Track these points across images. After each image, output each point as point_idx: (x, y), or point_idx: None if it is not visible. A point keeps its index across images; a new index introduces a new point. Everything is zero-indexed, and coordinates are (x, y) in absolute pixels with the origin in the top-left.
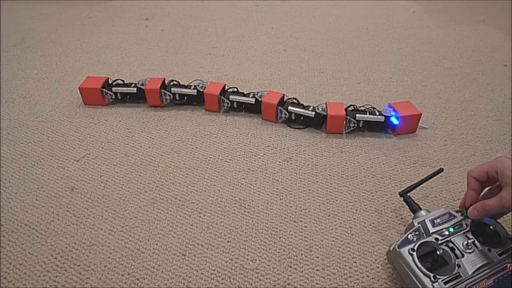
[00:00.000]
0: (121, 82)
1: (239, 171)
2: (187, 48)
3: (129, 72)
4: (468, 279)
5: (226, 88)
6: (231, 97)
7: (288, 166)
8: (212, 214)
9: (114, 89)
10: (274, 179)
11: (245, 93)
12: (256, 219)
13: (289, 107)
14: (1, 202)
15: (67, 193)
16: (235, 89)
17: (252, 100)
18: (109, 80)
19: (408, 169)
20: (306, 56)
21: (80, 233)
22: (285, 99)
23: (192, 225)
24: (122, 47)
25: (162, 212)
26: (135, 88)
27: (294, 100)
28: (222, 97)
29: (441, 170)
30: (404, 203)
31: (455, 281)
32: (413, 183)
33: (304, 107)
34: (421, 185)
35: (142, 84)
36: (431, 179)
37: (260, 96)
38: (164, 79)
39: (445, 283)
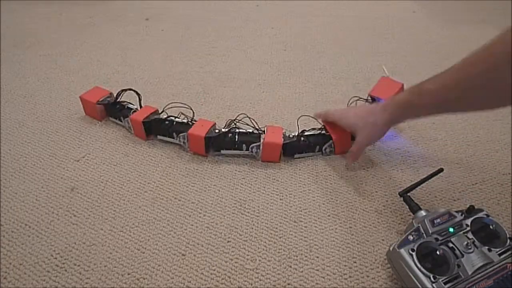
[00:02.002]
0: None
1: (239, 171)
2: (187, 48)
3: (129, 72)
4: (468, 279)
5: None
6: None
7: (288, 166)
8: (212, 214)
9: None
10: (274, 179)
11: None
12: (256, 219)
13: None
14: (1, 202)
15: (67, 193)
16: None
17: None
18: (112, 96)
19: (408, 169)
20: (306, 56)
21: (80, 233)
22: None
23: (192, 225)
24: (122, 47)
25: (162, 212)
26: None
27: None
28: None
29: (441, 170)
30: (404, 203)
31: (455, 281)
32: (413, 183)
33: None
34: (421, 185)
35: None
36: (431, 179)
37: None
38: (157, 110)
39: (445, 283)
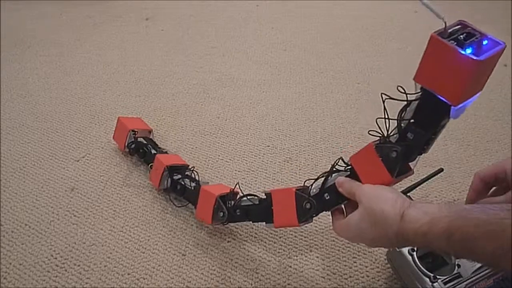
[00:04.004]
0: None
1: (239, 171)
2: (187, 48)
3: (129, 72)
4: (468, 279)
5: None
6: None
7: (288, 166)
8: None
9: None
10: (274, 179)
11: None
12: None
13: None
14: (1, 202)
15: (67, 193)
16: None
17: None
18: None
19: None
20: (306, 56)
21: (80, 233)
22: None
23: (192, 225)
24: (122, 47)
25: (162, 212)
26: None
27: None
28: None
29: (441, 170)
30: None
31: (455, 281)
32: (413, 183)
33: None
34: (421, 185)
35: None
36: (431, 179)
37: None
38: (165, 167)
39: (445, 283)
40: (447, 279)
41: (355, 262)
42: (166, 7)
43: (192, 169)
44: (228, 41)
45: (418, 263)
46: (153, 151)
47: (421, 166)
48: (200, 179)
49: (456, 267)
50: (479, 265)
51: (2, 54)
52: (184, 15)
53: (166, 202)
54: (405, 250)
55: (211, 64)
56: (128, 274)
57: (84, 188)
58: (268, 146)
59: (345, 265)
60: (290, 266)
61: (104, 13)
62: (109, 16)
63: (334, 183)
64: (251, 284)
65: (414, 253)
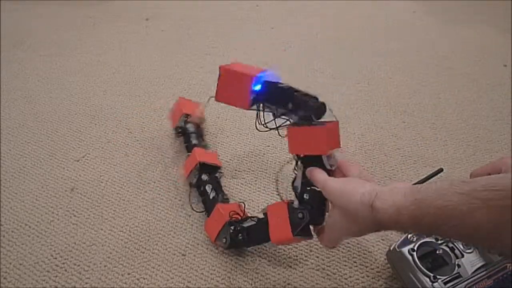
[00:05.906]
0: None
1: (239, 171)
2: (187, 48)
3: (129, 72)
4: (468, 279)
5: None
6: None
7: (288, 166)
8: None
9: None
10: (274, 179)
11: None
12: None
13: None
14: (1, 202)
15: (67, 193)
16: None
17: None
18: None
19: (408, 169)
20: (306, 56)
21: (80, 233)
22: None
23: (192, 225)
24: (122, 47)
25: (162, 212)
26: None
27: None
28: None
29: (441, 170)
30: None
31: (455, 281)
32: (413, 183)
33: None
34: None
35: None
36: (431, 179)
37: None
38: (197, 163)
39: (445, 283)
40: (447, 279)
41: (355, 262)
42: (166, 7)
43: (221, 173)
44: (228, 41)
45: (418, 263)
46: (194, 142)
47: (421, 166)
48: (222, 192)
49: (456, 267)
50: (479, 265)
51: (2, 54)
52: (184, 15)
53: (166, 202)
54: (405, 250)
55: (211, 64)
56: (128, 274)
57: (84, 188)
58: (268, 146)
59: (345, 265)
60: (290, 266)
61: (104, 13)
62: (109, 16)
63: (303, 182)
64: (251, 284)
65: (414, 253)
